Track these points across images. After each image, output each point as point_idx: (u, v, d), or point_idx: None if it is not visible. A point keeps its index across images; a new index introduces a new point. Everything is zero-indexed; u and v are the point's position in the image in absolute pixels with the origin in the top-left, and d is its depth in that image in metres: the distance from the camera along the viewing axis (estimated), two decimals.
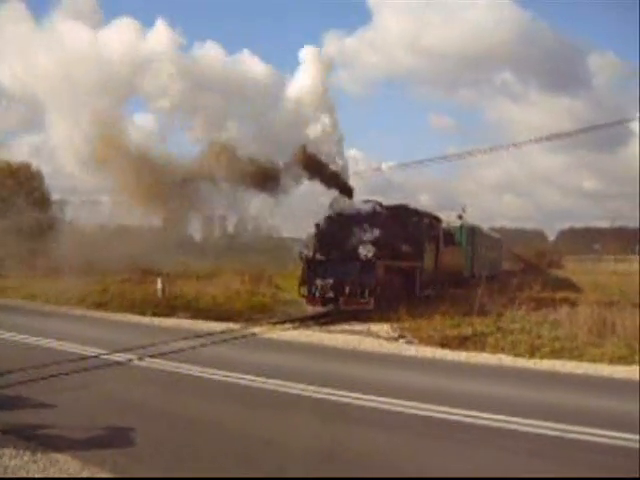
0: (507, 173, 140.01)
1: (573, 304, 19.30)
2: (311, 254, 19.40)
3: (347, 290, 18.13)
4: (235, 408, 8.84)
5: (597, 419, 7.99)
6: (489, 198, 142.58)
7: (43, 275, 29.16)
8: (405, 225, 22.55)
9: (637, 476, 6.37)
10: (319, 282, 18.39)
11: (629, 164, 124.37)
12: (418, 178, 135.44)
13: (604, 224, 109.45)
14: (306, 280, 18.98)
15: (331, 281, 18.31)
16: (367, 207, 21.03)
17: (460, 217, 34.61)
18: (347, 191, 20.58)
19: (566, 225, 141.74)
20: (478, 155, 32.93)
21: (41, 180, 46.41)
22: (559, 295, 25.08)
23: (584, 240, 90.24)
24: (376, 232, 19.42)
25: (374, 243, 18.68)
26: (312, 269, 19.12)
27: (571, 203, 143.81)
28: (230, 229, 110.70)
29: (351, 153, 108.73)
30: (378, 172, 36.12)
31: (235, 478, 6.17)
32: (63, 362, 11.32)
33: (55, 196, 45.82)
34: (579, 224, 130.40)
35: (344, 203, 20.01)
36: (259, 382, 10.11)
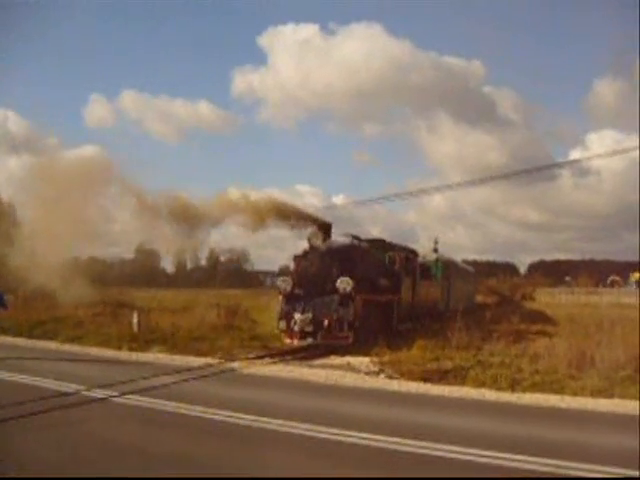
0: (452, 204, 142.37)
1: (550, 337, 19.45)
2: (289, 288, 19.34)
3: (326, 324, 18.06)
4: (225, 445, 8.73)
5: (592, 454, 7.99)
6: (441, 230, 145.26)
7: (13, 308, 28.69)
8: (382, 259, 22.65)
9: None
10: (298, 316, 18.29)
11: (565, 198, 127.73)
12: (366, 211, 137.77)
13: (562, 256, 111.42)
14: (285, 314, 18.87)
15: (310, 315, 18.22)
16: (345, 241, 21.09)
17: (435, 250, 34.77)
18: (324, 226, 20.57)
19: (528, 258, 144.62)
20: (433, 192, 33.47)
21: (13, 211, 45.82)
22: (535, 328, 25.24)
23: (555, 273, 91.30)
24: (354, 266, 19.45)
25: (352, 277, 18.67)
26: (290, 303, 19.03)
27: (521, 235, 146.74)
28: (203, 261, 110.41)
29: (302, 188, 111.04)
30: (332, 207, 36.08)
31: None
32: (40, 399, 11.12)
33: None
34: (536, 257, 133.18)
35: (321, 237, 19.96)
36: (238, 418, 10.01)
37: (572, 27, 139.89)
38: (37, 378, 13.61)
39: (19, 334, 23.43)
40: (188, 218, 21.24)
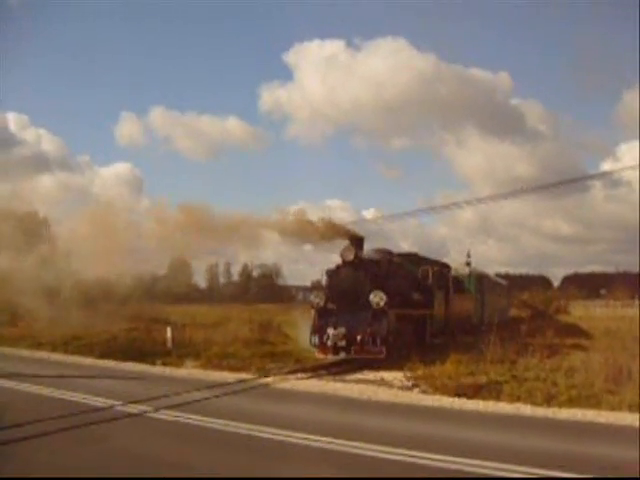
0: (482, 217, 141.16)
1: (586, 351, 19.22)
2: (322, 303, 19.36)
3: (359, 339, 18.03)
4: (259, 461, 8.72)
5: (633, 469, 7.88)
6: (472, 243, 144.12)
7: (47, 323, 29.02)
8: (415, 273, 22.58)
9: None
10: (331, 331, 18.28)
11: (596, 209, 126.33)
12: (396, 225, 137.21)
13: (597, 268, 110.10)
14: (317, 329, 18.87)
15: (343, 330, 18.21)
16: (377, 255, 21.09)
17: (468, 264, 34.62)
18: (357, 240, 20.55)
19: (561, 271, 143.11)
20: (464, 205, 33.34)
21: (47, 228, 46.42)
22: (570, 341, 24.97)
23: (590, 285, 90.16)
24: (387, 280, 19.43)
25: (385, 291, 18.63)
26: (323, 318, 19.04)
27: (553, 248, 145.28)
28: (235, 276, 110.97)
29: (332, 203, 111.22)
30: (363, 221, 36.16)
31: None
32: (77, 414, 11.26)
33: None
34: (568, 269, 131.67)
35: (354, 252, 19.92)
36: (274, 434, 10.00)
37: (599, 37, 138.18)
38: (73, 393, 13.72)
39: (54, 349, 23.65)
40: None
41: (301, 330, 23.21)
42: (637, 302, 57.70)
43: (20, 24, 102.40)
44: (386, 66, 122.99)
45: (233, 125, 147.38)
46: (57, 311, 30.71)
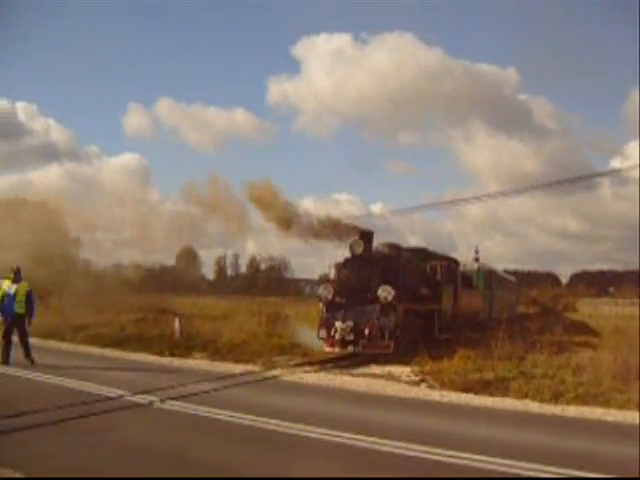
0: (490, 213, 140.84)
1: (594, 348, 19.16)
2: (330, 296, 19.36)
3: (367, 333, 18.04)
4: (265, 452, 8.73)
5: None
6: (479, 239, 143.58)
7: (57, 312, 29.10)
8: (424, 268, 22.55)
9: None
10: (339, 325, 18.28)
11: (604, 207, 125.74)
12: (404, 219, 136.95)
13: (605, 266, 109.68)
14: (325, 323, 18.88)
15: (351, 324, 18.21)
16: (386, 250, 21.06)
17: (477, 260, 34.56)
18: (366, 234, 20.51)
19: (568, 268, 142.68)
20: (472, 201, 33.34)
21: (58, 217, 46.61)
22: (578, 339, 24.93)
23: (598, 283, 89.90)
24: (395, 275, 19.41)
25: (394, 286, 18.62)
26: (331, 312, 19.05)
27: (561, 245, 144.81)
28: (243, 268, 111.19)
29: (339, 197, 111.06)
30: (370, 216, 36.24)
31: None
32: (85, 403, 11.30)
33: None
34: (576, 267, 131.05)
35: (363, 246, 19.88)
36: (281, 426, 10.02)
37: (607, 34, 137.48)
38: (81, 382, 13.76)
39: (62, 339, 23.71)
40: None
41: (309, 324, 23.30)
42: None
43: (30, 18, 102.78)
44: (393, 60, 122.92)
45: (240, 117, 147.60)
46: (67, 300, 30.91)
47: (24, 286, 16.92)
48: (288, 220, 22.68)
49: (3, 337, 16.71)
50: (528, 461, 8.14)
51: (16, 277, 16.93)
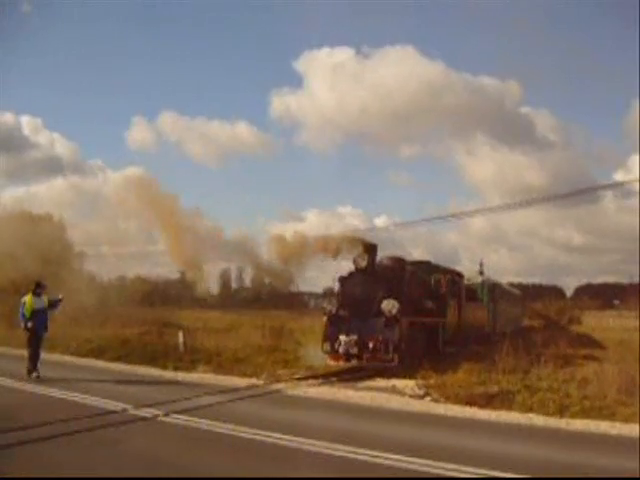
0: (494, 226, 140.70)
1: (599, 361, 19.10)
2: (334, 310, 19.34)
3: (371, 346, 18.00)
4: (267, 466, 8.72)
5: None
6: (483, 252, 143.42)
7: (60, 325, 29.11)
8: (428, 281, 22.53)
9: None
10: (343, 338, 18.26)
11: (608, 220, 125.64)
12: (407, 232, 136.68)
13: (609, 279, 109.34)
14: (329, 336, 18.85)
15: (355, 337, 18.18)
16: (390, 263, 21.04)
17: (481, 273, 34.53)
18: (370, 247, 20.51)
19: (573, 280, 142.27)
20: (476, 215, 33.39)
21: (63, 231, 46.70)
22: (583, 352, 24.86)
23: (603, 296, 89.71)
24: (400, 288, 19.39)
25: (398, 299, 18.60)
26: (335, 325, 19.02)
27: (565, 258, 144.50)
28: (247, 282, 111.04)
29: (343, 210, 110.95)
30: (375, 229, 36.26)
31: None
32: (89, 417, 11.31)
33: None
34: (580, 279, 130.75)
35: (367, 259, 19.87)
36: (284, 440, 10.01)
37: (609, 46, 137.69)
38: (85, 396, 13.77)
39: (66, 351, 23.71)
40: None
41: (313, 337, 23.28)
42: None
43: (33, 29, 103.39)
44: (395, 74, 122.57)
45: (243, 131, 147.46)
46: (71, 313, 30.87)
47: (46, 300, 17.19)
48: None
49: (31, 346, 16.92)
50: (532, 474, 8.11)
51: (37, 290, 17.12)
